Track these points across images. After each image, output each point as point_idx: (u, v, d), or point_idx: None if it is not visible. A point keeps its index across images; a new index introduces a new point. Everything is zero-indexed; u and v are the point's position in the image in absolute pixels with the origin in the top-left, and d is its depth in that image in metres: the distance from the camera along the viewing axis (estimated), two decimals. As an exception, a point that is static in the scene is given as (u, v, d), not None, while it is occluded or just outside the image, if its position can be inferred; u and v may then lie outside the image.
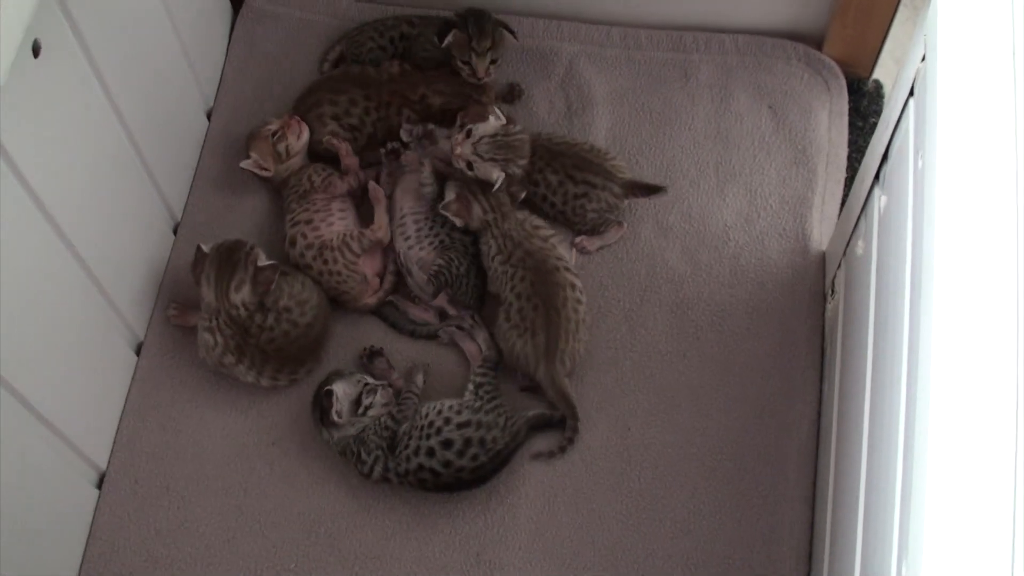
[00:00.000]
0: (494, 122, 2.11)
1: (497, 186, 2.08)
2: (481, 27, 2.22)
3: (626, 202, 2.20)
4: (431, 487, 1.94)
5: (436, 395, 2.03)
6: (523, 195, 2.13)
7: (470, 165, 2.09)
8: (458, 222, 2.10)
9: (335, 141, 2.22)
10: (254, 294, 1.99)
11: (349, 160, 2.21)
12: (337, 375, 2.00)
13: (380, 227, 2.15)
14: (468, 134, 2.10)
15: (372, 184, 2.19)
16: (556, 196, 2.18)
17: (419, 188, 2.17)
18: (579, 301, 2.05)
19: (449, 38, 2.21)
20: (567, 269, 2.07)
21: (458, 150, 2.09)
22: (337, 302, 2.14)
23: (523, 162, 2.13)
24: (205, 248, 2.03)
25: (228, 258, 2.01)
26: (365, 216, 2.20)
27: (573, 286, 2.05)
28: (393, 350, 2.12)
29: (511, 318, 2.04)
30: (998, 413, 1.14)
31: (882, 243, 1.67)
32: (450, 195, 2.10)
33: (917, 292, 1.31)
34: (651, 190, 2.21)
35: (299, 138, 2.20)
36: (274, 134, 2.18)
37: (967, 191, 1.25)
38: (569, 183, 2.17)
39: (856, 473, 1.62)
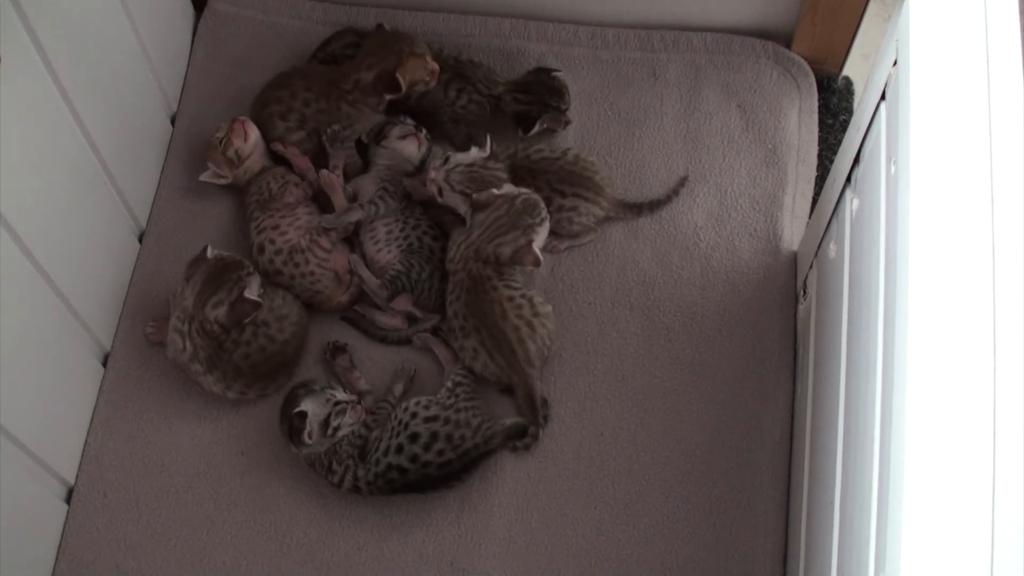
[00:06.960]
0: (474, 152, 2.09)
1: (468, 220, 2.06)
2: (560, 95, 2.25)
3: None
4: (399, 487, 1.92)
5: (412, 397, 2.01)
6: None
7: (440, 192, 2.07)
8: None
9: (280, 147, 2.19)
10: (229, 319, 1.97)
11: (299, 161, 2.18)
12: (305, 391, 1.96)
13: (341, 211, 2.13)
14: (445, 161, 2.08)
15: (323, 172, 2.15)
16: None
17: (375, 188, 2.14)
18: (514, 301, 2.00)
19: (539, 125, 2.23)
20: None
21: (432, 175, 2.07)
22: (311, 304, 2.11)
23: None
24: (209, 254, 2.01)
25: (219, 274, 1.98)
26: (327, 210, 2.16)
27: (510, 296, 2.01)
28: (365, 357, 2.10)
29: (456, 332, 2.03)
30: (975, 417, 1.14)
31: (855, 246, 1.67)
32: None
33: (891, 296, 1.31)
34: (641, 210, 2.20)
35: (246, 140, 2.16)
36: (221, 141, 2.16)
37: (940, 199, 1.25)
38: (557, 197, 2.13)
39: (831, 477, 1.62)
